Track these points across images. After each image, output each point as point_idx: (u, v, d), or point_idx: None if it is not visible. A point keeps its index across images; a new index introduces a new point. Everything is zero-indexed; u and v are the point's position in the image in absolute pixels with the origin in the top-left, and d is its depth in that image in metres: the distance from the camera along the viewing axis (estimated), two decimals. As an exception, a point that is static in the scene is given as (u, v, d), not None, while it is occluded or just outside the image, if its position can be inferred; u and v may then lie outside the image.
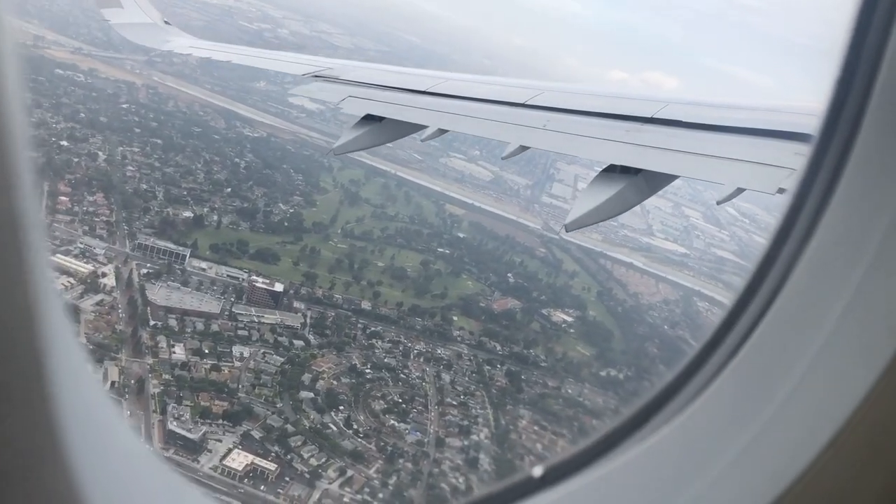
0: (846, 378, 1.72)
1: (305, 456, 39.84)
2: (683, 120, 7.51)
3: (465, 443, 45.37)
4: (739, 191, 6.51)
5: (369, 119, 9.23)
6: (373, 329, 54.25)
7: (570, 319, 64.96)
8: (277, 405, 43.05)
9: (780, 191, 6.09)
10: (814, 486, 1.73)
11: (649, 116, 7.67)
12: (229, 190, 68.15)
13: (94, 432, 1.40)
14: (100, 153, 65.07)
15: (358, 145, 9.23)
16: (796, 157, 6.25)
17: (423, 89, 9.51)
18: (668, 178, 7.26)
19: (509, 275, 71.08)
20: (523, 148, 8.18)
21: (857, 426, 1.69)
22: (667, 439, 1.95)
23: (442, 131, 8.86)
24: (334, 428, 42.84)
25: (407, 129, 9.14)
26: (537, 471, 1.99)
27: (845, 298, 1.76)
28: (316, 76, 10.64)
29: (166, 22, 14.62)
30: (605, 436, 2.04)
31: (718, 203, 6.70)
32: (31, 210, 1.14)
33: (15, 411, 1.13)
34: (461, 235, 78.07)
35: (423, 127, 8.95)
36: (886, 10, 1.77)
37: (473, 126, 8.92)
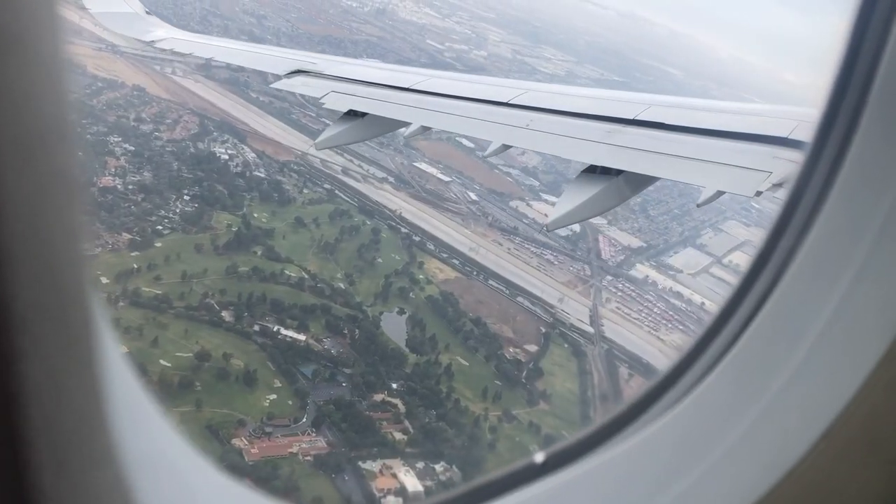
0: (840, 371, 1.76)
1: None
2: (665, 122, 7.62)
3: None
4: (719, 193, 6.68)
5: (352, 115, 9.24)
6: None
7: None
8: None
9: (758, 194, 6.35)
10: (807, 477, 1.77)
11: (631, 118, 7.80)
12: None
13: (138, 425, 1.38)
14: None
15: (340, 140, 9.47)
16: (775, 161, 6.52)
17: (407, 86, 9.50)
18: (648, 180, 7.45)
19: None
20: (505, 147, 8.42)
21: (850, 419, 1.73)
22: (662, 431, 1.96)
23: (425, 128, 8.96)
24: None
25: (390, 125, 9.27)
26: (533, 460, 1.98)
27: (839, 294, 1.79)
28: (299, 70, 10.62)
29: (148, 12, 14.27)
30: (601, 426, 2.04)
31: (699, 205, 6.85)
32: (78, 190, 1.07)
33: (66, 396, 1.08)
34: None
35: (407, 123, 9.03)
36: (886, 8, 1.79)
37: (457, 123, 9.05)
